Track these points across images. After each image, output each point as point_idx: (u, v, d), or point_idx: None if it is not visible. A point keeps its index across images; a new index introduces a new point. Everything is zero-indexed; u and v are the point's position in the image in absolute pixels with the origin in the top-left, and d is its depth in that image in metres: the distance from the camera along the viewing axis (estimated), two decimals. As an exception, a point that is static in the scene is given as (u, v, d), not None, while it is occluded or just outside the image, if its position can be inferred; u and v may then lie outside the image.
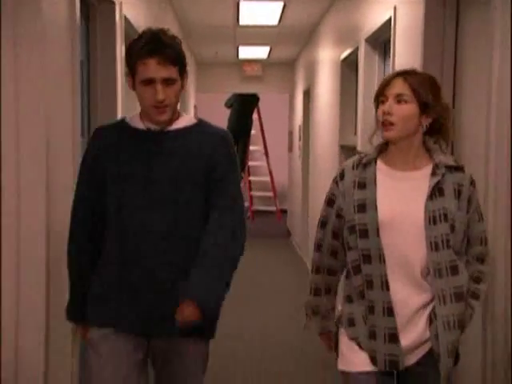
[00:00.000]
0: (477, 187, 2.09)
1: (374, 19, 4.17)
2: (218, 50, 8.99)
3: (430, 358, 2.02)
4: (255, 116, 11.52)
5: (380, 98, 2.06)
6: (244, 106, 11.08)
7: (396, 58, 3.59)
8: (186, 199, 2.15)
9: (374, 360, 2.03)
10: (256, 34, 7.81)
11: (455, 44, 2.97)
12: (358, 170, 2.11)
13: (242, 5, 6.20)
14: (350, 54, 5.03)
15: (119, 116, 3.30)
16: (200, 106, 10.33)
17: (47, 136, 2.32)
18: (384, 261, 2.01)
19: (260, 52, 9.09)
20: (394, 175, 2.08)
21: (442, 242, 1.99)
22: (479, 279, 2.08)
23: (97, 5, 3.22)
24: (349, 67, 5.26)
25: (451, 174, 2.04)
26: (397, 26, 3.60)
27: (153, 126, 2.17)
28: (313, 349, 4.53)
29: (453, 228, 2.01)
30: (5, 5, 2.15)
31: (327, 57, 6.48)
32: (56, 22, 2.45)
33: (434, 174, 2.02)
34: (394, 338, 2.00)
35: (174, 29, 6.53)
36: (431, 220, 2.00)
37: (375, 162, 2.10)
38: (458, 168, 2.05)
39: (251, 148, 11.68)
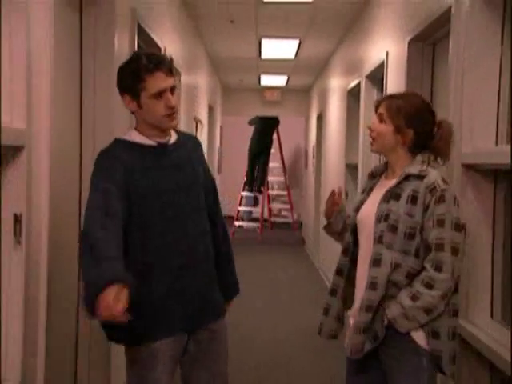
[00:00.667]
0: (446, 196, 2.04)
1: (372, 60, 4.76)
2: (243, 78, 9.57)
3: None
4: (275, 136, 11.98)
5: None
6: (265, 127, 11.55)
7: (387, 90, 4.16)
8: (202, 202, 2.23)
9: (319, 330, 2.34)
10: (275, 66, 8.37)
11: (431, 79, 3.52)
12: (367, 179, 2.34)
13: (263, 42, 6.80)
14: (354, 86, 5.58)
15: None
16: (224, 126, 10.93)
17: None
18: (351, 254, 2.25)
19: (279, 80, 9.66)
20: (381, 184, 2.22)
21: (379, 237, 2.08)
22: (430, 285, 2.00)
23: (147, 49, 3.82)
24: (354, 97, 5.76)
25: (410, 181, 2.07)
26: (388, 66, 4.18)
27: (161, 140, 2.15)
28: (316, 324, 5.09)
29: (393, 228, 2.05)
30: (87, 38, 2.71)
31: (336, 87, 7.04)
32: (121, 54, 3.00)
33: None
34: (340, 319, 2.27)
35: (204, 61, 7.18)
36: (378, 219, 2.10)
37: (382, 174, 2.26)
38: (419, 176, 2.07)
39: (270, 165, 12.11)
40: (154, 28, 3.72)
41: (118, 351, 2.85)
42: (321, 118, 8.65)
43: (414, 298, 2.00)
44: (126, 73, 2.06)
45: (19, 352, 1.73)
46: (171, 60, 2.10)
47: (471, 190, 2.55)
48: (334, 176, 7.03)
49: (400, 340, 2.05)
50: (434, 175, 2.06)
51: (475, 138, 2.54)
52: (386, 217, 2.07)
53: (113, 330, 2.04)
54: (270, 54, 7.48)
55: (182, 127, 4.71)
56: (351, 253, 2.27)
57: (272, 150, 12.00)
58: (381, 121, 2.15)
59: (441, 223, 2.01)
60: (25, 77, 1.73)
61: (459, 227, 2.03)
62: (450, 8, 2.78)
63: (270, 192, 12.47)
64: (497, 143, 2.52)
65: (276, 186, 12.91)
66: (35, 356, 1.84)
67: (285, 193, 12.24)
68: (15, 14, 1.70)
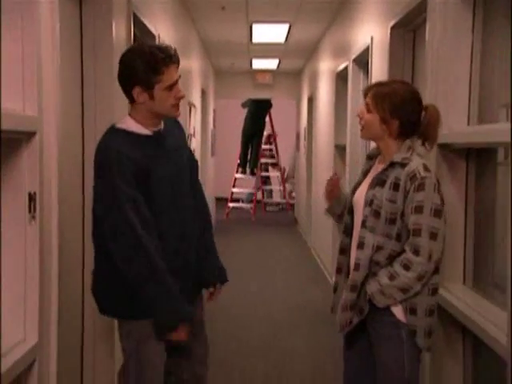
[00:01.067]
0: (425, 183, 2.11)
1: (358, 44, 4.93)
2: (234, 62, 9.69)
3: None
4: (267, 119, 12.14)
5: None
6: (258, 110, 11.66)
7: (372, 73, 4.34)
8: (192, 183, 2.38)
9: (332, 309, 2.40)
10: (266, 50, 8.51)
11: (412, 63, 3.70)
12: (365, 161, 2.43)
13: (254, 27, 6.94)
14: (342, 69, 5.75)
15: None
16: (218, 109, 11.08)
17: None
18: (350, 234, 2.34)
19: (270, 63, 9.79)
20: (375, 167, 2.32)
21: (363, 222, 2.21)
22: (407, 267, 2.10)
23: (141, 37, 3.99)
24: (342, 80, 5.91)
25: (394, 168, 2.16)
26: (373, 51, 4.35)
27: (155, 129, 2.22)
28: (313, 306, 5.35)
29: (376, 213, 2.16)
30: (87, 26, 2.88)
31: (326, 70, 7.19)
32: (119, 43, 3.18)
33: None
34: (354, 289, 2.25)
35: (197, 46, 7.32)
36: (365, 204, 2.21)
37: (377, 156, 2.34)
38: (402, 164, 2.15)
39: (263, 147, 12.29)
40: (148, 16, 3.88)
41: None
42: (311, 101, 8.79)
43: (391, 277, 2.13)
44: (139, 65, 2.08)
45: (36, 317, 1.93)
46: (176, 50, 2.18)
47: (446, 168, 2.75)
48: (324, 157, 7.21)
49: (382, 314, 2.20)
50: (415, 163, 2.14)
51: (449, 119, 2.73)
52: (371, 202, 2.18)
53: (111, 304, 2.24)
54: (261, 39, 7.61)
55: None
56: (351, 232, 2.36)
57: (264, 133, 12.14)
58: (368, 110, 2.22)
59: (419, 210, 2.09)
60: (35, 70, 1.91)
61: (439, 213, 2.11)
62: (426, -3, 2.96)
63: (263, 174, 12.65)
64: (468, 123, 2.72)
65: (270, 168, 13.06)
66: (49, 321, 2.05)
67: (278, 174, 12.40)
68: (26, 12, 1.88)
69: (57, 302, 2.09)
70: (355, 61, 5.09)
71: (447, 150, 2.74)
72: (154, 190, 2.14)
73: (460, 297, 2.62)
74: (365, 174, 2.39)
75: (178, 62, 2.17)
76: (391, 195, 2.14)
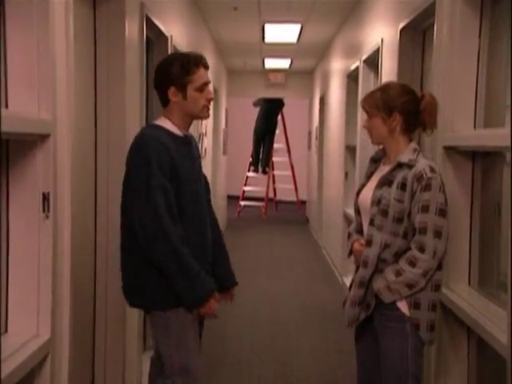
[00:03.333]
0: (432, 184, 2.18)
1: (369, 45, 4.96)
2: (247, 61, 9.74)
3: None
4: (279, 118, 12.16)
5: None
6: (270, 109, 11.72)
7: (382, 74, 4.37)
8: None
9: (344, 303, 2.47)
10: (279, 50, 8.55)
11: (422, 64, 3.72)
12: (369, 163, 2.50)
13: (266, 27, 6.99)
14: (353, 70, 5.78)
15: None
16: (230, 108, 11.13)
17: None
18: (361, 233, 2.42)
19: (283, 63, 9.82)
20: (380, 169, 2.39)
21: (371, 220, 2.30)
22: (412, 263, 2.19)
23: (155, 39, 4.05)
24: (353, 80, 5.95)
25: (402, 169, 2.24)
26: (383, 52, 4.38)
27: (186, 132, 2.42)
28: (322, 306, 5.38)
29: (384, 212, 2.25)
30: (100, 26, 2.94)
31: (337, 70, 7.22)
32: (132, 45, 3.22)
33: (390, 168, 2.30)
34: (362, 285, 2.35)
35: (210, 46, 7.37)
36: (372, 203, 2.30)
37: (383, 158, 2.41)
38: (409, 165, 2.23)
39: (275, 146, 12.31)
40: (161, 18, 3.94)
41: (133, 315, 3.12)
42: (323, 101, 8.81)
43: (397, 273, 2.22)
44: (174, 67, 2.31)
45: (48, 313, 1.99)
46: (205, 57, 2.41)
47: (451, 170, 2.78)
48: (335, 157, 7.24)
49: (387, 309, 2.28)
50: (421, 164, 2.22)
51: (455, 122, 2.76)
52: (379, 201, 2.27)
53: (145, 298, 2.32)
54: (273, 38, 7.65)
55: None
56: (361, 231, 2.45)
57: (277, 131, 12.17)
58: (370, 117, 2.34)
59: (425, 209, 2.17)
60: (50, 74, 1.97)
61: (443, 212, 2.19)
62: (434, 1, 2.98)
63: (275, 172, 12.67)
64: (475, 127, 2.75)
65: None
66: (62, 317, 2.11)
67: (289, 173, 12.42)
68: (40, 17, 1.93)
69: (69, 299, 2.15)
70: (366, 61, 5.12)
71: (453, 151, 2.77)
72: (181, 188, 2.28)
73: (465, 297, 2.65)
74: (369, 176, 2.46)
75: (207, 66, 2.38)
76: (399, 195, 2.22)
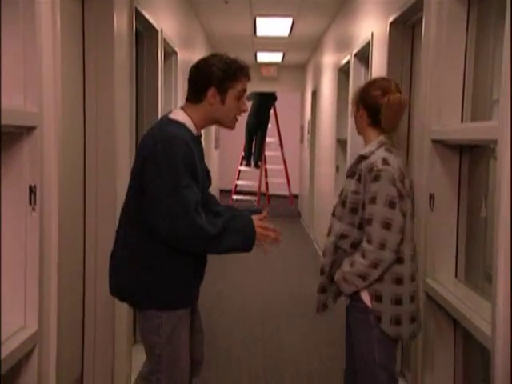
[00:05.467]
0: (381, 175, 2.22)
1: (359, 39, 4.97)
2: (239, 55, 9.69)
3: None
4: (271, 112, 12.16)
5: None
6: (263, 103, 11.67)
7: (373, 67, 4.38)
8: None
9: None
10: (271, 43, 8.54)
11: (411, 58, 3.74)
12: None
13: (258, 20, 6.98)
14: (344, 64, 5.79)
15: (159, 115, 4.06)
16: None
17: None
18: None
19: (275, 57, 9.82)
20: None
21: (333, 211, 2.43)
22: (363, 255, 2.24)
23: (144, 32, 4.04)
24: (344, 74, 5.98)
25: (360, 161, 2.33)
26: (373, 46, 4.39)
27: (200, 133, 2.37)
28: (310, 297, 5.39)
29: (343, 203, 2.36)
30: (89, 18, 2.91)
31: (329, 64, 7.23)
32: (121, 38, 3.23)
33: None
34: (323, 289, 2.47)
35: (201, 40, 7.36)
36: (338, 195, 2.44)
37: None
38: (365, 157, 2.32)
39: (267, 140, 12.29)
40: (151, 11, 3.92)
41: (123, 307, 3.11)
42: (315, 94, 8.83)
43: (352, 264, 2.28)
44: (219, 69, 2.24)
45: (36, 305, 1.99)
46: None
47: (439, 163, 2.80)
48: (326, 151, 7.26)
49: (354, 300, 2.35)
50: (376, 156, 2.27)
51: (443, 115, 2.78)
52: (340, 193, 2.40)
53: (143, 297, 2.25)
54: (265, 32, 7.64)
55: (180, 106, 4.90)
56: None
57: (269, 125, 12.18)
58: (354, 112, 2.47)
59: (372, 200, 2.22)
60: (37, 66, 1.96)
61: (393, 205, 2.20)
62: (422, -5, 2.99)
63: (267, 166, 12.66)
64: (462, 121, 2.76)
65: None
66: (49, 309, 2.11)
67: (281, 167, 12.42)
68: (27, 8, 1.93)
69: (56, 291, 2.15)
70: (357, 55, 5.12)
71: (440, 145, 2.79)
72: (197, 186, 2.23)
73: (451, 289, 2.68)
74: None
75: (249, 77, 2.34)
76: (356, 186, 2.30)
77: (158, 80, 4.18)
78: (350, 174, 2.37)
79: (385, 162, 2.25)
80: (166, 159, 2.12)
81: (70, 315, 2.71)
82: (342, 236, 2.34)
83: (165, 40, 4.34)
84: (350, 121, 5.25)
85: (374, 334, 2.30)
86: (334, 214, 2.41)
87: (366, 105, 2.38)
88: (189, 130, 2.25)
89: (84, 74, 2.96)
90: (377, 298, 2.29)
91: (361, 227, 2.29)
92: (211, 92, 2.25)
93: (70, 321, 2.72)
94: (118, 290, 2.31)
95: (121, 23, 3.18)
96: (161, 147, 2.13)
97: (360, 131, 2.47)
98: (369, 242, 2.23)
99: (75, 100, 2.88)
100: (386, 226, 2.20)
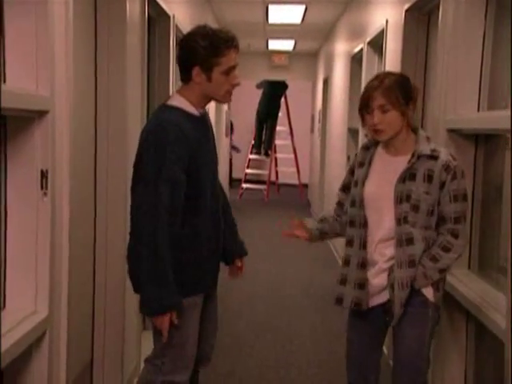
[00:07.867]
0: (457, 172, 2.21)
1: (373, 27, 4.91)
2: (250, 43, 9.68)
3: (388, 303, 2.32)
4: (282, 100, 12.09)
5: (365, 109, 2.23)
6: (273, 91, 11.65)
7: (387, 56, 4.32)
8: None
9: (340, 301, 2.39)
10: (283, 31, 8.49)
11: (426, 47, 3.69)
12: (361, 151, 2.39)
13: (270, 7, 6.93)
14: (357, 52, 5.73)
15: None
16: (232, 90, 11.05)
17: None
18: (364, 226, 2.30)
19: (286, 44, 9.77)
20: (384, 159, 2.31)
21: (404, 218, 2.22)
22: (447, 248, 2.22)
23: (156, 17, 4.01)
24: (357, 62, 5.89)
25: (424, 161, 2.20)
26: (388, 34, 4.33)
27: (201, 111, 2.27)
28: (322, 290, 5.38)
29: (415, 207, 2.21)
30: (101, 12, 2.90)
31: (341, 52, 7.16)
32: (133, 23, 3.20)
33: (409, 161, 2.22)
34: (361, 285, 2.32)
35: (212, 26, 7.30)
36: (398, 200, 2.22)
37: (375, 145, 2.34)
38: (432, 157, 2.20)
39: (278, 128, 12.24)
40: (164, -3, 3.89)
41: (133, 293, 3.11)
42: (327, 83, 8.76)
43: (434, 259, 2.23)
44: (201, 46, 2.12)
45: (47, 290, 1.99)
46: (235, 36, 2.21)
47: (454, 152, 2.73)
48: (337, 140, 7.21)
49: (411, 296, 2.27)
50: (445, 154, 2.23)
51: (459, 104, 2.74)
52: (408, 197, 2.21)
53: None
54: (277, 19, 7.60)
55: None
56: (364, 225, 2.33)
57: (279, 114, 12.11)
58: (384, 111, 2.19)
59: (456, 198, 2.22)
60: (49, 50, 1.94)
61: (466, 197, 2.26)
62: (440, -19, 2.94)
63: (277, 155, 12.63)
64: (478, 110, 2.72)
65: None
66: (59, 294, 2.11)
67: (292, 156, 12.38)
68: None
69: (67, 276, 2.15)
70: (370, 43, 5.07)
71: (456, 134, 2.75)
72: (200, 173, 2.19)
73: (464, 281, 2.65)
74: (368, 165, 2.34)
75: (237, 48, 2.19)
76: (427, 188, 2.21)
77: (170, 65, 4.16)
78: (409, 177, 2.22)
79: (453, 157, 2.26)
80: (154, 147, 2.08)
81: (81, 301, 2.71)
82: (426, 240, 2.24)
83: (177, 26, 4.31)
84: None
85: (429, 326, 2.30)
86: (406, 221, 2.22)
87: (413, 98, 2.24)
88: (185, 112, 2.19)
89: (96, 58, 2.94)
90: (437, 289, 2.31)
91: (436, 227, 2.27)
92: (195, 71, 2.16)
93: (81, 306, 2.72)
94: (130, 275, 2.31)
95: (133, 8, 3.15)
96: (151, 135, 2.11)
97: (398, 132, 2.25)
98: (455, 236, 2.23)
99: (87, 85, 2.86)
100: (465, 219, 2.27)
